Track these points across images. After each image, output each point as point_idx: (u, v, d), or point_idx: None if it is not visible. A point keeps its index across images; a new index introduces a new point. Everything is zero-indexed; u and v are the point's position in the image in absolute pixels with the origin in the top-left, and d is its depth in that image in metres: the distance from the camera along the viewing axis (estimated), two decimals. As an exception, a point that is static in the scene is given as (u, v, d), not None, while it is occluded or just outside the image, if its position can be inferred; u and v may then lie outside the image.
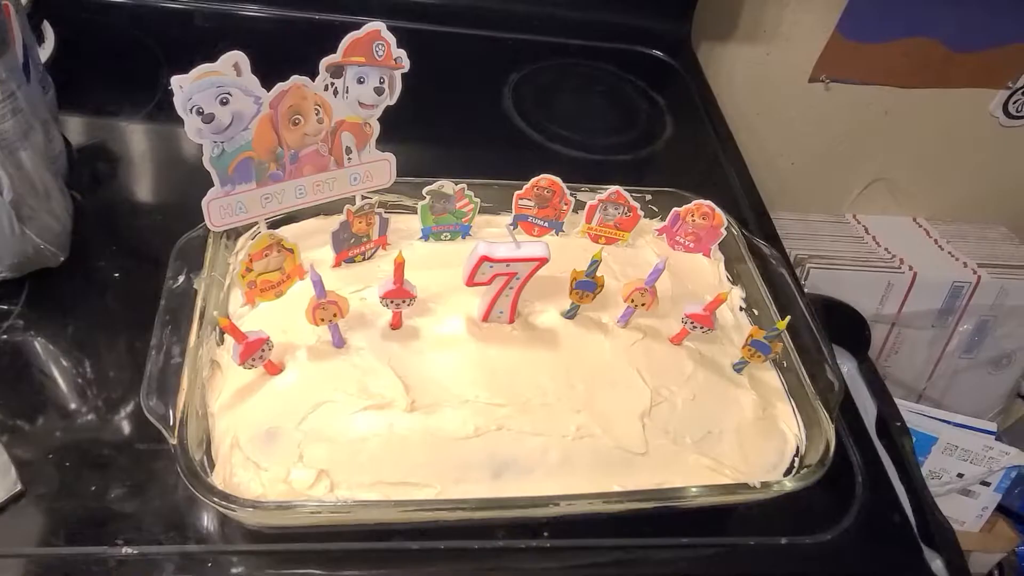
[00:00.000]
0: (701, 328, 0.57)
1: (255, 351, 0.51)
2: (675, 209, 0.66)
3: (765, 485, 0.52)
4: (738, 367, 0.59)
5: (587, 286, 0.56)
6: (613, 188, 0.64)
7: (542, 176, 0.63)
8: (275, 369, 0.53)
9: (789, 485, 0.52)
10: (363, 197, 0.61)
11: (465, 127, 0.89)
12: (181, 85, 0.48)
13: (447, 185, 0.61)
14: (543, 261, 0.54)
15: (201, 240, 0.59)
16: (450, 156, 0.86)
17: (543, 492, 0.51)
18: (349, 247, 0.61)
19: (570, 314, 0.59)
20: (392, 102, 0.57)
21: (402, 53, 0.56)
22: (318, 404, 0.52)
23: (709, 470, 0.54)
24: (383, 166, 0.61)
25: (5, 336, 0.59)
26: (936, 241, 1.40)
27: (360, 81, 0.55)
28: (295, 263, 0.58)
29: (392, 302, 0.54)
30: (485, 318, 0.57)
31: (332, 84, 0.55)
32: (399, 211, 0.66)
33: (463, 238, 0.65)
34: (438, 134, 0.86)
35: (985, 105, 1.29)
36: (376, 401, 0.52)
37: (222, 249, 0.59)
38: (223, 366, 0.54)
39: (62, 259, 0.62)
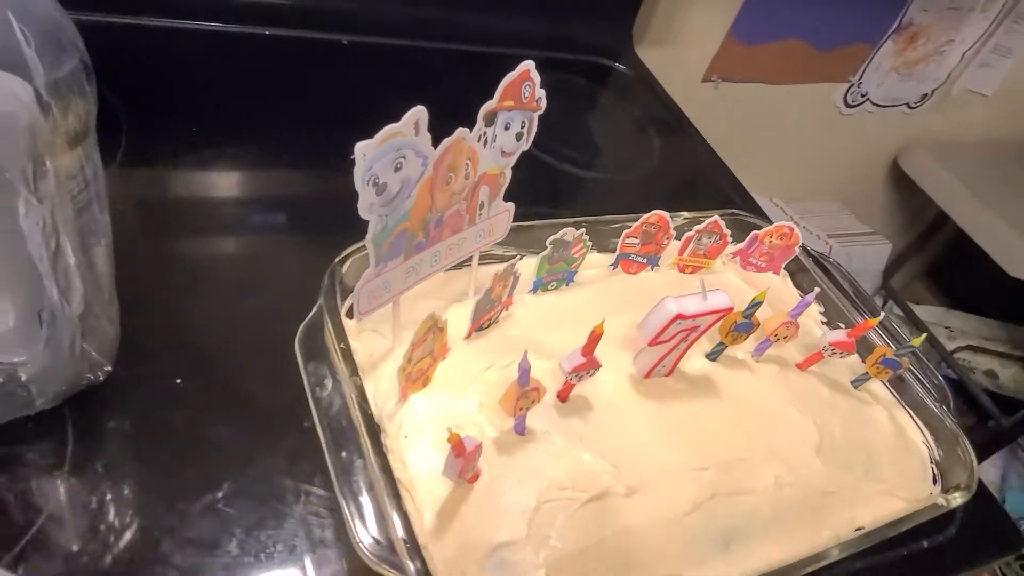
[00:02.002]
0: (842, 354, 0.57)
1: (472, 461, 0.42)
2: (754, 232, 0.65)
3: (948, 500, 0.53)
4: (857, 383, 0.60)
5: (745, 327, 0.53)
6: (711, 218, 0.61)
7: (652, 213, 0.58)
8: (475, 476, 0.44)
9: (960, 499, 0.53)
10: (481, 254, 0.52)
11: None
12: (364, 153, 0.38)
13: (568, 232, 0.55)
14: (729, 311, 0.50)
15: (312, 330, 0.48)
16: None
17: (771, 553, 0.47)
18: (484, 314, 0.52)
19: (713, 355, 0.56)
20: (527, 147, 0.49)
21: (543, 93, 0.48)
22: (537, 508, 0.44)
23: (884, 495, 0.54)
24: (503, 218, 0.52)
25: (64, 494, 0.43)
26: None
27: (506, 127, 0.47)
28: (442, 342, 0.48)
29: (576, 375, 0.47)
30: (648, 374, 0.52)
31: (484, 133, 0.46)
32: (489, 261, 0.57)
33: (567, 285, 0.59)
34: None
35: (830, 96, 1.42)
36: (595, 492, 0.45)
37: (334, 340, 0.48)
38: (405, 483, 0.44)
39: (108, 370, 0.47)
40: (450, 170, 0.44)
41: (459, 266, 0.56)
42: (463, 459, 0.41)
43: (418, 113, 0.39)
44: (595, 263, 0.61)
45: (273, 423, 0.48)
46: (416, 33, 0.88)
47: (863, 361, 0.59)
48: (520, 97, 0.47)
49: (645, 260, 0.61)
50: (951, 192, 1.51)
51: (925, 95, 1.51)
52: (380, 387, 0.47)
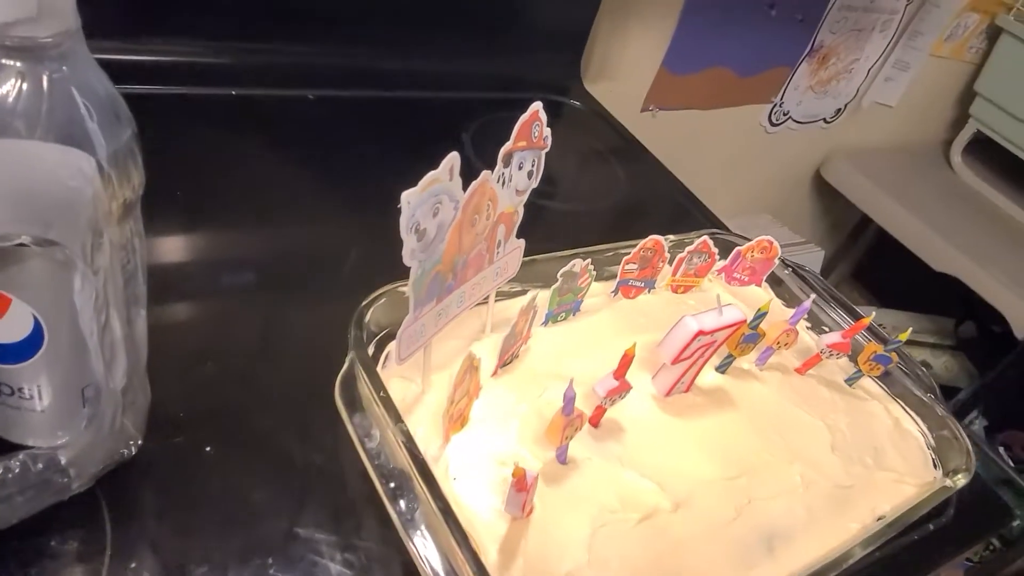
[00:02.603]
0: (838, 355, 0.60)
1: (532, 494, 0.42)
2: (737, 248, 0.68)
3: (955, 482, 0.56)
4: (851, 381, 0.63)
5: (752, 338, 0.56)
6: (700, 239, 0.64)
7: (649, 238, 0.60)
8: (531, 510, 0.44)
9: (963, 480, 0.57)
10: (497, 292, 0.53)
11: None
12: (409, 201, 0.38)
13: (576, 263, 0.56)
14: (743, 324, 0.52)
15: (346, 383, 0.47)
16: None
17: (810, 551, 0.49)
18: (510, 348, 0.52)
19: (723, 368, 0.58)
20: (536, 184, 0.51)
21: (548, 132, 0.50)
22: (593, 534, 0.44)
23: (896, 483, 0.56)
24: (516, 255, 0.53)
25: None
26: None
27: (520, 167, 0.48)
28: (476, 381, 0.49)
29: (610, 399, 0.48)
30: (669, 392, 0.54)
31: (502, 174, 0.47)
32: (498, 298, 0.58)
33: (574, 315, 0.60)
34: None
35: (756, 118, 1.50)
36: (645, 511, 0.46)
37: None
38: (464, 524, 0.43)
39: (140, 443, 0.45)
40: (475, 212, 0.45)
41: (469, 306, 0.57)
42: (526, 492, 0.41)
43: (453, 159, 0.40)
44: (595, 291, 0.62)
45: (310, 481, 0.47)
46: (374, 83, 0.89)
47: (853, 361, 0.62)
48: (531, 137, 0.48)
49: (643, 284, 0.63)
50: (871, 196, 1.60)
51: (839, 110, 1.60)
52: (417, 432, 0.47)
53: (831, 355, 0.59)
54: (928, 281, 1.51)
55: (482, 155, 0.78)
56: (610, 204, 0.89)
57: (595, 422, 0.50)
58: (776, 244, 0.68)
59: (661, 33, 1.23)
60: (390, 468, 0.43)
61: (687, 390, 0.55)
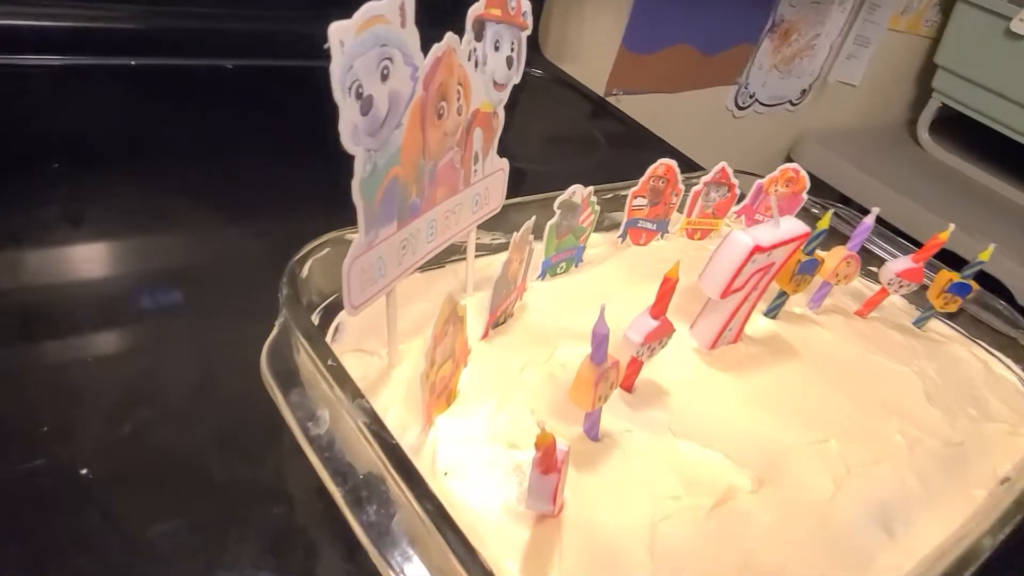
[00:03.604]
0: (908, 285, 0.47)
1: (563, 480, 0.28)
2: (758, 181, 0.56)
3: (1086, 426, 0.43)
4: (919, 323, 0.50)
5: (810, 267, 0.43)
6: (718, 166, 0.51)
7: (659, 163, 0.47)
8: (560, 504, 0.30)
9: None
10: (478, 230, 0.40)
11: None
12: (343, 40, 0.25)
13: (577, 191, 0.43)
14: (807, 236, 0.39)
15: (277, 356, 0.33)
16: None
17: (936, 530, 0.35)
18: (503, 300, 0.39)
19: (772, 311, 0.45)
20: (518, 79, 0.38)
21: (528, 7, 0.37)
22: (653, 530, 0.30)
23: (1009, 435, 0.43)
24: (498, 179, 0.40)
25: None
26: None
27: (496, 46, 0.35)
28: (463, 340, 0.35)
29: (648, 348, 0.35)
30: (715, 344, 0.40)
31: (474, 51, 0.34)
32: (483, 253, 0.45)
33: (576, 266, 0.46)
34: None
35: (723, 101, 1.41)
36: (718, 494, 0.32)
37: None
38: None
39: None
40: (442, 97, 0.32)
41: (439, 263, 0.43)
42: (556, 474, 0.27)
43: (403, -7, 0.27)
44: (596, 242, 0.49)
45: (235, 503, 0.32)
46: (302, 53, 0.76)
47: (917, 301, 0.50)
48: (507, 6, 0.35)
49: (654, 226, 0.50)
50: (848, 177, 1.51)
51: (804, 91, 1.52)
52: (387, 417, 0.33)
53: (901, 287, 0.47)
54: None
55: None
56: (592, 164, 0.76)
57: (629, 385, 0.37)
58: (804, 174, 0.56)
59: (618, 9, 1.13)
60: (346, 464, 0.29)
61: (736, 339, 0.42)
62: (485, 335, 0.38)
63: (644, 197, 0.48)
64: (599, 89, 1.19)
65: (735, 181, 0.52)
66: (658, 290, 0.33)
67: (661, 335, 0.34)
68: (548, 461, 0.26)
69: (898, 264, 0.46)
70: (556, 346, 0.38)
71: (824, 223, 0.42)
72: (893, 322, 0.49)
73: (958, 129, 1.62)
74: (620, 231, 0.49)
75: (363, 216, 0.29)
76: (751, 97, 1.44)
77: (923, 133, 1.68)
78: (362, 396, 0.30)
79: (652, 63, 1.23)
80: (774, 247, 0.37)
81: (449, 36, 0.31)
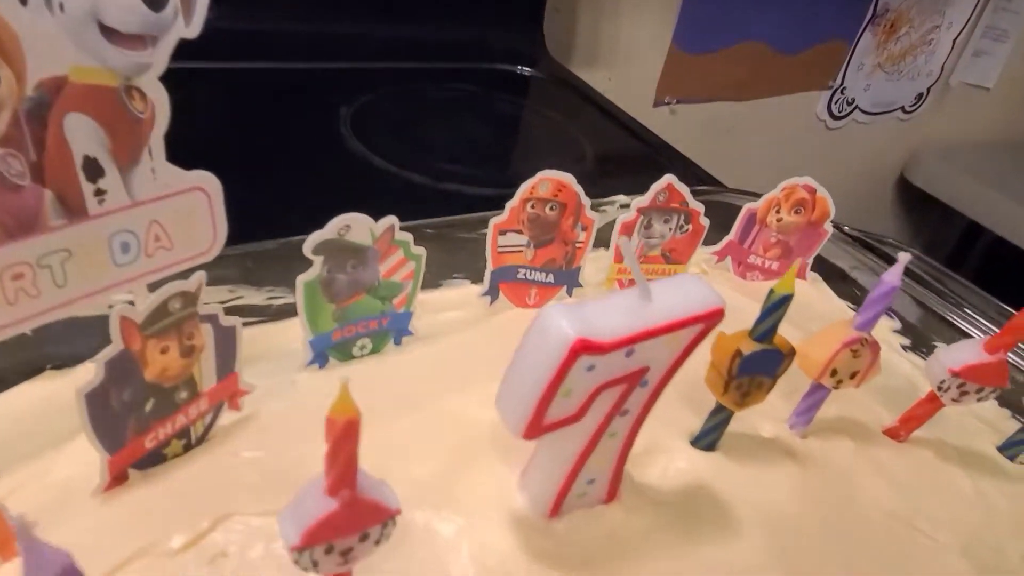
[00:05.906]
0: (978, 391, 0.25)
1: None
2: (747, 206, 0.35)
3: None
4: (1011, 451, 0.28)
5: (765, 364, 0.23)
6: (660, 182, 0.31)
7: (541, 176, 0.29)
8: None
9: None
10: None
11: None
12: None
13: (356, 223, 0.25)
14: (716, 317, 0.19)
15: None
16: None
17: None
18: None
19: (706, 438, 0.25)
20: (191, 31, 0.21)
21: None
22: None
23: None
24: (190, 204, 0.23)
25: None
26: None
27: None
28: None
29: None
30: (555, 510, 0.21)
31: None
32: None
33: (396, 344, 0.28)
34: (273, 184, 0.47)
35: (812, 109, 1.16)
36: None
37: None
38: None
39: None
40: None
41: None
42: None
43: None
44: (451, 302, 0.31)
45: None
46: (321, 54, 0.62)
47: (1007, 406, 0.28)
48: None
49: (551, 278, 0.31)
50: (978, 199, 1.22)
51: (920, 95, 1.25)
52: None
53: (962, 393, 0.25)
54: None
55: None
56: (601, 163, 0.58)
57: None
58: (823, 194, 0.35)
59: (665, 1, 0.93)
60: None
61: (608, 499, 0.22)
62: (109, 486, 0.21)
63: (518, 231, 0.29)
64: (646, 100, 1.00)
65: (696, 206, 0.32)
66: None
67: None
68: None
69: (958, 354, 0.25)
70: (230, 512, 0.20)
71: (786, 286, 0.21)
72: (955, 447, 0.28)
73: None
74: (484, 286, 0.30)
75: None
76: (850, 103, 1.19)
77: (1078, 144, 1.35)
78: None
79: (713, 65, 1.02)
80: (626, 342, 0.17)
81: None
